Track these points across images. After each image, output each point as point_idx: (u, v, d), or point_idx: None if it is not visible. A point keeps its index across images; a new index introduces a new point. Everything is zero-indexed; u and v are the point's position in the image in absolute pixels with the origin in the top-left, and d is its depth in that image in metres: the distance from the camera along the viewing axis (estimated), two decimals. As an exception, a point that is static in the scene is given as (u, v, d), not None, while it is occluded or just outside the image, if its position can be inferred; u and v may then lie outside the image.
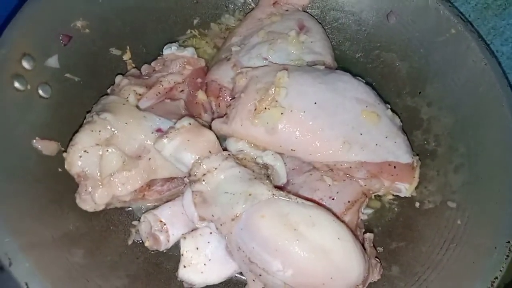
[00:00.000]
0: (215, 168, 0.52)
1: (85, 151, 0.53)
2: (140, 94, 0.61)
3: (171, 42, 0.70)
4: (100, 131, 0.55)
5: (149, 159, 0.56)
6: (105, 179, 0.54)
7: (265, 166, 0.56)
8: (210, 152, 0.54)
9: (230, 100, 0.62)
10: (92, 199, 0.53)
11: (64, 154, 0.55)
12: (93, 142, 0.54)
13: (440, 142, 0.65)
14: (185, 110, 0.64)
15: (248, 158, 0.56)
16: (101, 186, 0.54)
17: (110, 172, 0.54)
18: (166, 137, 0.54)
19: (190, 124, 0.55)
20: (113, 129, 0.55)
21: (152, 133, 0.58)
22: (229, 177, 0.51)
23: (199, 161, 0.53)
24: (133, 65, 0.69)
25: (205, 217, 0.52)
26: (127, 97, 0.60)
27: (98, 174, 0.53)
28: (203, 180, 0.52)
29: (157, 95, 0.62)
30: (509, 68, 0.81)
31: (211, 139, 0.55)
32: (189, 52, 0.67)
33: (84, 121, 0.57)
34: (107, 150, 0.54)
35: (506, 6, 0.73)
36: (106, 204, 0.55)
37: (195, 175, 0.52)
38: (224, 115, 0.61)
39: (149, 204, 0.59)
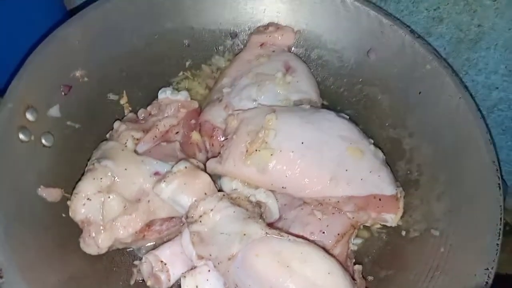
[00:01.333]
0: (211, 210, 0.55)
1: (88, 198, 0.57)
2: (137, 139, 0.64)
3: (165, 86, 0.74)
4: (101, 178, 0.58)
5: (148, 201, 0.59)
6: (107, 224, 0.57)
7: (258, 204, 0.59)
8: (205, 193, 0.57)
9: (223, 140, 0.65)
10: (96, 243, 0.56)
11: (68, 202, 0.58)
12: (95, 190, 0.57)
13: (422, 172, 0.69)
14: (181, 151, 0.67)
15: (241, 196, 0.59)
16: (103, 231, 0.57)
17: (112, 217, 0.57)
18: (164, 181, 0.57)
19: (186, 167, 0.59)
20: (113, 176, 0.59)
21: (150, 176, 0.61)
22: (225, 218, 0.55)
23: (196, 203, 0.56)
24: (130, 109, 0.73)
25: (203, 256, 0.55)
26: (126, 143, 0.63)
27: (101, 219, 0.56)
28: (200, 221, 0.55)
29: (153, 138, 0.66)
30: (485, 96, 0.86)
31: (206, 181, 0.58)
32: (182, 95, 0.70)
33: (86, 169, 0.61)
34: (109, 197, 0.57)
35: (477, 40, 0.78)
36: (108, 247, 0.58)
37: (192, 216, 0.56)
38: (218, 154, 0.65)
39: (149, 244, 0.62)
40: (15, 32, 0.69)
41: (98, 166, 0.59)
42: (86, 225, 0.57)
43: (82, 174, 0.61)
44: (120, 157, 0.61)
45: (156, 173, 0.61)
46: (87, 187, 0.57)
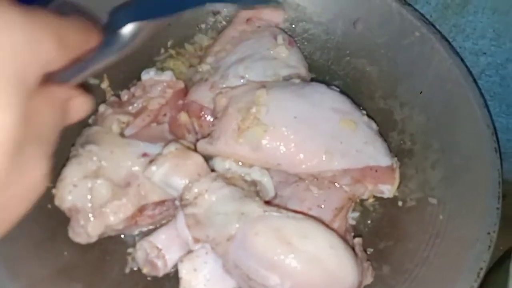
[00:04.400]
0: (206, 190, 0.53)
1: (74, 185, 0.54)
2: (123, 122, 0.62)
3: (148, 67, 0.71)
4: (86, 163, 0.55)
5: (138, 185, 0.57)
6: (96, 211, 0.54)
7: (254, 183, 0.57)
8: (199, 174, 0.55)
9: (213, 120, 0.63)
10: (85, 231, 0.54)
11: (54, 190, 0.55)
12: (81, 175, 0.54)
13: (415, 141, 0.68)
14: (170, 133, 0.64)
15: (236, 176, 0.57)
16: (92, 218, 0.54)
17: (101, 203, 0.54)
18: (155, 164, 0.55)
19: (176, 149, 0.56)
20: (99, 160, 0.56)
21: (138, 158, 0.58)
22: (220, 198, 0.53)
23: (190, 184, 0.54)
24: (112, 93, 0.70)
25: (199, 239, 0.53)
26: (110, 126, 0.61)
27: (90, 206, 0.54)
28: (195, 203, 0.53)
29: (144, 120, 0.63)
30: (472, 62, 0.84)
31: (199, 161, 0.56)
32: (167, 75, 0.67)
33: (70, 155, 0.58)
34: (97, 182, 0.54)
35: (465, 4, 0.77)
36: (99, 235, 0.55)
37: (186, 199, 0.54)
38: (208, 135, 0.63)
39: (144, 229, 0.60)
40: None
41: (82, 151, 0.56)
42: (74, 213, 0.54)
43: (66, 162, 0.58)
44: (104, 141, 0.58)
45: (145, 155, 0.59)
46: (72, 173, 0.54)
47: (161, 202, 0.60)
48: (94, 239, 0.55)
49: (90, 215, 0.54)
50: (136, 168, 0.58)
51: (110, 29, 0.39)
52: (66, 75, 0.36)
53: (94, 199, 0.55)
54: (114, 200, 0.55)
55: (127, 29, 0.40)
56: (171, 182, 0.55)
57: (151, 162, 0.56)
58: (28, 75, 0.27)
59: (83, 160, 0.56)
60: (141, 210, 0.58)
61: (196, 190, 0.53)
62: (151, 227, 0.60)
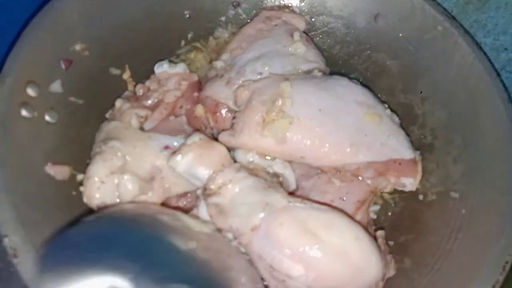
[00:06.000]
0: (230, 180, 0.53)
1: (102, 182, 0.54)
2: (141, 117, 0.62)
3: (169, 57, 0.72)
4: (111, 159, 0.55)
5: (162, 178, 0.57)
6: None
7: (276, 174, 0.57)
8: (223, 165, 0.55)
9: (233, 113, 0.63)
10: None
11: (81, 188, 0.55)
12: (108, 172, 0.55)
13: (436, 136, 0.68)
14: (188, 125, 0.65)
15: (258, 168, 0.57)
16: None
17: (129, 199, 0.55)
18: (179, 153, 0.55)
19: (200, 139, 0.56)
20: (123, 156, 0.56)
21: (161, 151, 0.59)
22: (244, 188, 0.53)
23: (214, 175, 0.54)
24: (134, 83, 0.70)
25: (223, 228, 0.54)
26: (129, 121, 0.61)
27: (118, 202, 0.54)
28: (219, 193, 0.53)
29: (161, 114, 0.63)
30: (493, 58, 0.84)
31: (223, 152, 0.56)
32: (181, 68, 0.67)
33: (92, 153, 0.58)
34: (123, 177, 0.55)
35: (486, 0, 0.76)
36: None
37: (211, 188, 0.54)
38: (222, 130, 0.62)
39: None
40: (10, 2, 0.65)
41: (106, 148, 0.56)
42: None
43: (90, 151, 0.59)
44: (126, 136, 0.58)
45: (166, 147, 0.59)
46: (98, 170, 0.54)
47: (184, 194, 0.60)
48: None
49: None
50: (159, 162, 0.58)
51: None
52: None
53: (122, 195, 0.55)
54: (140, 194, 0.56)
55: None
56: (196, 172, 0.55)
57: (174, 152, 0.56)
58: None
59: (107, 156, 0.56)
60: (165, 203, 0.58)
61: (220, 181, 0.54)
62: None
